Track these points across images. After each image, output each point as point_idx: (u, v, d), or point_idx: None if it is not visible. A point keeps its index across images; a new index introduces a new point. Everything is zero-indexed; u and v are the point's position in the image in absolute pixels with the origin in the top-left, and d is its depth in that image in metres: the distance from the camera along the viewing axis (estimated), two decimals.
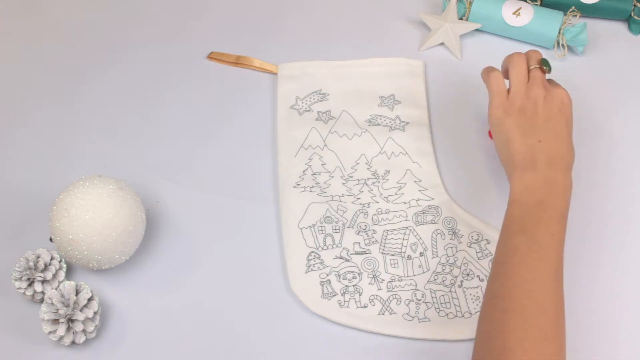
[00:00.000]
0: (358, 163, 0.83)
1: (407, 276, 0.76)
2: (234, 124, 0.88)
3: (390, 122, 0.86)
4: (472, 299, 0.75)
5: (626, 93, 0.90)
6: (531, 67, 0.75)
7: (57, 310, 0.71)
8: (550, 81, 0.76)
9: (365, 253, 0.78)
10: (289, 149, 0.84)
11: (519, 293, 0.61)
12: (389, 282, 0.76)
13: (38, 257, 0.75)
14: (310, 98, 0.88)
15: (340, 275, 0.77)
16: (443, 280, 0.76)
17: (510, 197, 0.69)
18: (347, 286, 0.76)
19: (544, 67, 0.75)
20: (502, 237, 0.67)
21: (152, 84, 0.92)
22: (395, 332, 0.73)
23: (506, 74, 0.77)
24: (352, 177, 0.82)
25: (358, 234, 0.79)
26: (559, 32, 0.90)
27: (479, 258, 0.77)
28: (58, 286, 0.74)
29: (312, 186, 0.82)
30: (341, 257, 0.78)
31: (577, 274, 0.76)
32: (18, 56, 0.95)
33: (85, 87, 0.91)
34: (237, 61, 0.92)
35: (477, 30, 0.93)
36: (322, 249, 0.78)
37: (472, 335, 0.73)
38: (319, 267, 0.77)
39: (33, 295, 0.74)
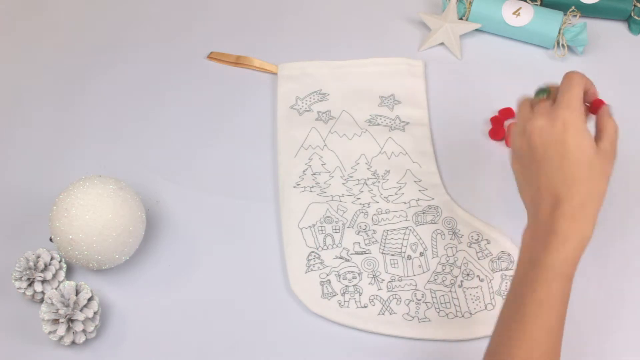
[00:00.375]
0: (358, 163, 0.83)
1: (407, 276, 0.76)
2: (234, 124, 0.88)
3: (390, 122, 0.86)
4: (472, 299, 0.75)
5: (626, 93, 0.89)
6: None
7: (57, 310, 0.71)
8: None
9: (365, 253, 0.78)
10: (289, 149, 0.84)
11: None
12: (389, 282, 0.76)
13: (38, 257, 0.75)
14: (310, 98, 0.88)
15: (340, 275, 0.77)
16: (443, 280, 0.76)
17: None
18: (347, 286, 0.76)
19: (543, 95, 0.65)
20: (510, 291, 0.61)
21: (152, 84, 0.92)
22: (395, 332, 0.73)
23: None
24: (352, 177, 0.82)
25: (358, 234, 0.79)
26: (559, 32, 0.90)
27: (479, 258, 0.77)
28: (58, 286, 0.74)
29: (312, 186, 0.82)
30: (341, 257, 0.78)
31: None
32: (18, 56, 0.95)
33: (86, 87, 0.91)
34: (237, 61, 0.92)
35: (477, 30, 0.93)
36: (322, 249, 0.78)
37: (472, 335, 0.73)
38: (319, 267, 0.77)
39: (33, 295, 0.74)
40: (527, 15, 0.91)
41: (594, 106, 0.66)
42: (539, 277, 0.57)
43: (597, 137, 0.62)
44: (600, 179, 0.59)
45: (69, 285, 0.72)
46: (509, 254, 0.77)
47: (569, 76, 0.63)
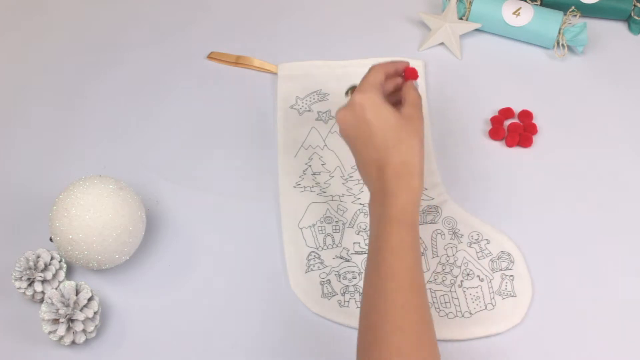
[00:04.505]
0: None
1: None
2: (233, 124, 0.88)
3: None
4: (472, 298, 0.75)
5: (626, 93, 0.89)
6: None
7: (57, 310, 0.71)
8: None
9: (366, 253, 0.78)
10: (289, 149, 0.84)
11: (389, 322, 0.61)
12: None
13: (38, 257, 0.75)
14: (310, 98, 0.88)
15: (340, 275, 0.77)
16: (443, 280, 0.76)
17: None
18: (347, 286, 0.76)
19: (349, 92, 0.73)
20: (368, 259, 0.66)
21: (152, 84, 0.92)
22: None
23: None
24: (352, 177, 0.82)
25: (358, 234, 0.79)
26: (559, 32, 0.90)
27: (479, 258, 0.77)
28: (58, 286, 0.74)
29: (312, 186, 0.82)
30: (341, 257, 0.78)
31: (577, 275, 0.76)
32: (18, 56, 0.95)
33: (86, 87, 0.91)
34: (237, 61, 0.92)
35: (477, 30, 0.93)
36: (322, 248, 0.78)
37: (472, 335, 0.73)
38: (319, 267, 0.77)
39: (33, 295, 0.74)
40: (527, 15, 0.91)
41: (406, 75, 0.75)
42: (388, 229, 0.64)
43: (402, 105, 0.70)
44: (411, 138, 0.67)
45: (69, 285, 0.72)
46: (509, 254, 0.77)
47: (370, 68, 0.71)
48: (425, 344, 0.61)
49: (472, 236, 0.78)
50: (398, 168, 0.66)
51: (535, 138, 0.86)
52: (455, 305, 0.74)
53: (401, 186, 0.65)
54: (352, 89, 0.74)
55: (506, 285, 0.75)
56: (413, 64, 0.90)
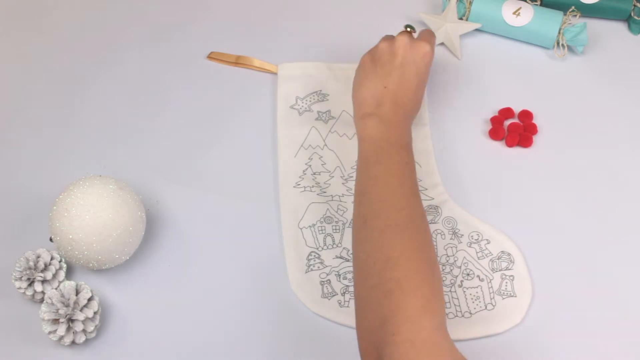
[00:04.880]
0: None
1: None
2: (234, 124, 0.88)
3: None
4: (472, 298, 0.75)
5: (626, 93, 0.89)
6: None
7: (57, 310, 0.71)
8: (421, 36, 0.81)
9: None
10: (289, 149, 0.84)
11: (390, 213, 0.67)
12: None
13: (38, 257, 0.75)
14: (310, 98, 0.88)
15: (340, 275, 0.77)
16: (443, 280, 0.76)
17: (359, 137, 0.75)
18: (347, 286, 0.76)
19: (409, 29, 0.82)
20: (360, 171, 0.72)
21: (152, 84, 0.92)
22: None
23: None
24: (352, 176, 0.82)
25: None
26: (559, 32, 0.90)
27: (479, 258, 0.77)
28: (58, 286, 0.74)
29: (312, 186, 0.82)
30: (341, 257, 0.78)
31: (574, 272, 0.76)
32: (18, 56, 0.95)
33: (85, 87, 0.91)
34: (237, 61, 0.92)
35: (477, 30, 0.93)
36: (322, 248, 0.78)
37: (472, 335, 0.73)
38: (319, 267, 0.77)
39: (33, 295, 0.74)
40: (527, 15, 0.91)
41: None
42: (402, 149, 0.73)
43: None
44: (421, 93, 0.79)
45: (69, 285, 0.72)
46: (509, 254, 0.77)
47: (431, 32, 0.83)
48: (429, 235, 0.68)
49: (472, 236, 0.78)
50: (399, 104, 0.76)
51: (535, 138, 0.86)
52: (455, 305, 0.74)
53: (399, 115, 0.75)
54: (409, 26, 0.83)
55: (506, 285, 0.75)
56: None
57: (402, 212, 0.67)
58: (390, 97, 0.75)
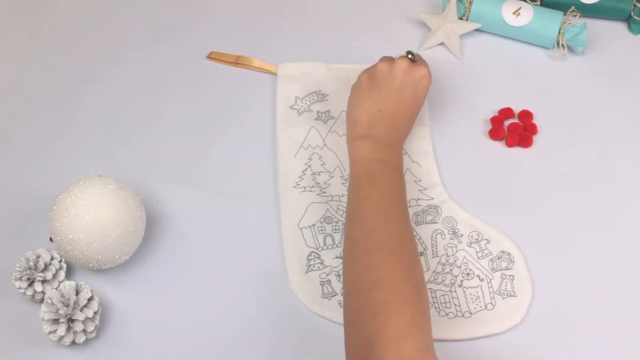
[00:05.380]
0: None
1: None
2: (233, 124, 0.88)
3: None
4: (472, 298, 0.75)
5: (626, 93, 0.90)
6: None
7: (57, 310, 0.71)
8: (418, 61, 0.82)
9: None
10: (288, 149, 0.84)
11: (380, 235, 0.67)
12: None
13: (38, 257, 0.75)
14: (310, 98, 0.88)
15: (340, 275, 0.77)
16: (443, 280, 0.76)
17: (351, 158, 0.75)
18: None
19: (410, 55, 0.82)
20: (352, 191, 0.73)
21: (152, 84, 0.92)
22: None
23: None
24: None
25: None
26: (559, 32, 0.90)
27: (479, 258, 0.77)
28: (58, 286, 0.74)
29: (312, 186, 0.82)
30: (341, 257, 0.78)
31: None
32: (18, 56, 0.95)
33: (86, 87, 0.91)
34: (237, 61, 0.92)
35: (477, 30, 0.93)
36: (322, 249, 0.78)
37: (472, 335, 0.73)
38: (319, 267, 0.77)
39: (33, 295, 0.74)
40: (527, 15, 0.91)
41: None
42: (394, 171, 0.74)
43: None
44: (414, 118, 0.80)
45: (69, 285, 0.72)
46: (509, 254, 0.77)
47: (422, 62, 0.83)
48: (418, 256, 0.69)
49: (472, 236, 0.78)
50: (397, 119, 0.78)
51: (535, 138, 0.86)
52: (455, 305, 0.74)
53: (393, 135, 0.76)
54: (410, 53, 0.82)
55: (506, 285, 0.75)
56: None
57: (392, 234, 0.68)
58: (385, 120, 0.76)
